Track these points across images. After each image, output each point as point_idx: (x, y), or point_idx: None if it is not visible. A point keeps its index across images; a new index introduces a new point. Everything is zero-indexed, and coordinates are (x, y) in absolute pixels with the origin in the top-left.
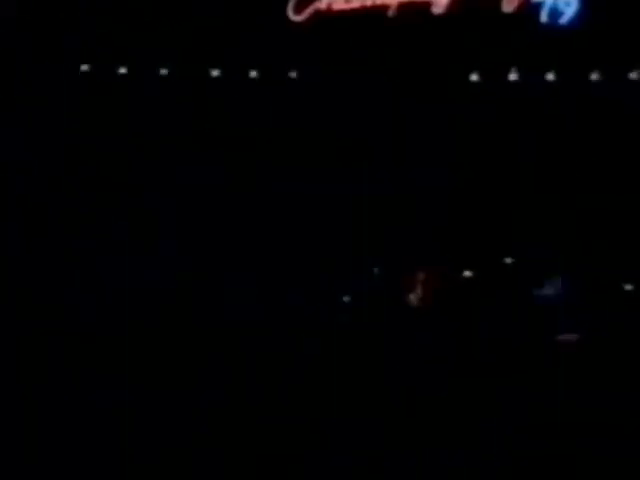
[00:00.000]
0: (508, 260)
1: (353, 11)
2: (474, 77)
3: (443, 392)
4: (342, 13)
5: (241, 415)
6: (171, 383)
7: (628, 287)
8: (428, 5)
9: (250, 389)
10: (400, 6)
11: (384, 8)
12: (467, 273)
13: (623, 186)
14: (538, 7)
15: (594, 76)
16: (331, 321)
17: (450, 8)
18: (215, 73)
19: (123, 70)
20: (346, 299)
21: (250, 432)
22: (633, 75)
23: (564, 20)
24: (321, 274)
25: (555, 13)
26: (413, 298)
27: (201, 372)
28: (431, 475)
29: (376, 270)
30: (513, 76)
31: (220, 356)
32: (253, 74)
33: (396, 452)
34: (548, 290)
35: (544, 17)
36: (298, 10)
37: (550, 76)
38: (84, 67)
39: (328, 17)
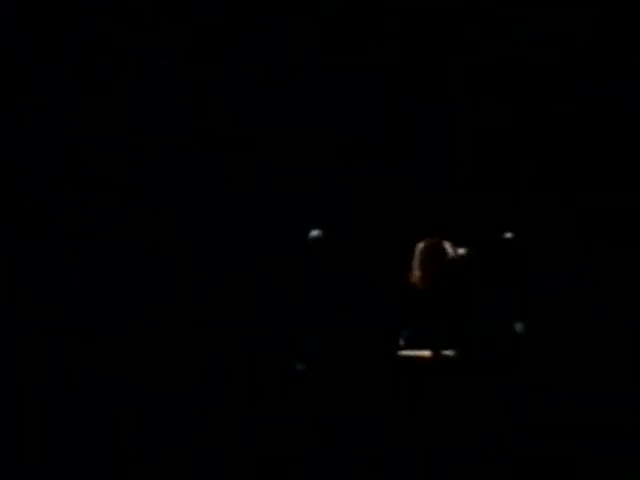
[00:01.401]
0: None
1: None
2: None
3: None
4: None
5: (241, 416)
6: (171, 383)
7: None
8: None
9: (250, 390)
10: None
11: None
12: (461, 250)
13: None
14: None
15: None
16: (331, 319)
17: None
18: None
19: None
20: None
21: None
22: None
23: None
24: (321, 272)
25: None
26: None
27: (201, 372)
28: (431, 474)
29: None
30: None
31: (220, 356)
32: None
33: (396, 451)
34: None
35: None
36: None
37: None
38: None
39: None
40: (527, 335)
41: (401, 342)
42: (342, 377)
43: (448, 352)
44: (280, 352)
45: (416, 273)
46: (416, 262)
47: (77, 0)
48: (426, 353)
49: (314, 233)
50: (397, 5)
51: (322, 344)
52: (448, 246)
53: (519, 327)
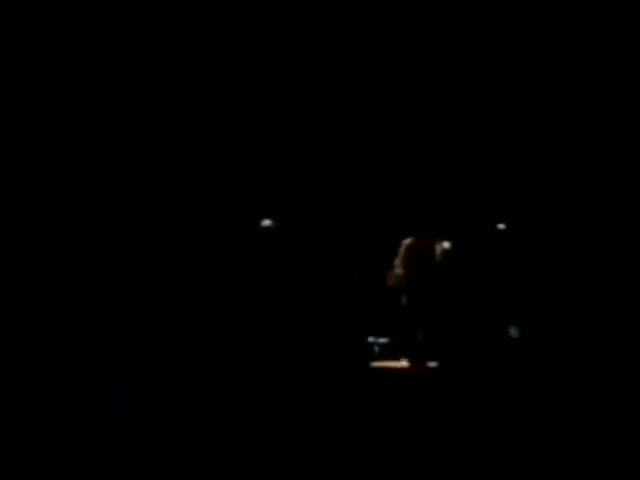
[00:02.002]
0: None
1: None
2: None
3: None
4: None
5: (241, 417)
6: (173, 384)
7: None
8: None
9: (252, 391)
10: None
11: None
12: (446, 245)
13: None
14: None
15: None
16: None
17: None
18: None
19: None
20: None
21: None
22: None
23: None
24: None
25: None
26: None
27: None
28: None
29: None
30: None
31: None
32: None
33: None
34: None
35: None
36: None
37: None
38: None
39: None
40: (523, 340)
41: (376, 350)
42: (307, 390)
43: (431, 363)
44: (281, 355)
45: (398, 271)
46: (399, 259)
47: (77, 0)
48: (403, 363)
49: (266, 223)
50: None
51: (287, 352)
52: (436, 244)
53: (514, 332)
